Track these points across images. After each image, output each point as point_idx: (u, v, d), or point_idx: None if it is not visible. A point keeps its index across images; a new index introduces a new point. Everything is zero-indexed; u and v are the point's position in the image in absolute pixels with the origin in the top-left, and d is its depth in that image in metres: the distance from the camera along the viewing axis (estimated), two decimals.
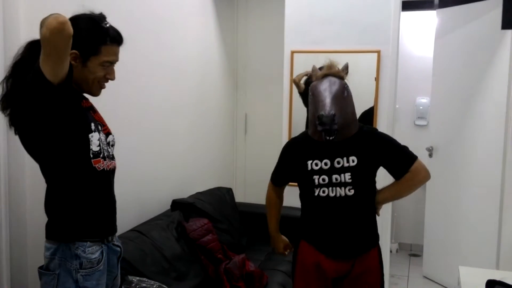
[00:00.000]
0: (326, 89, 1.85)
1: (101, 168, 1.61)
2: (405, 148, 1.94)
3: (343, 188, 1.89)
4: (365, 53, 3.50)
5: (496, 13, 3.28)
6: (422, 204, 4.10)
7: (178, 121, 3.25)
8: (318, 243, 1.97)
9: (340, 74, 1.93)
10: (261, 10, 4.32)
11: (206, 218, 2.84)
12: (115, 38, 1.60)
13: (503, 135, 3.24)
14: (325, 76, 1.92)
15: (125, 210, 2.60)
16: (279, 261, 2.98)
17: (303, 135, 2.04)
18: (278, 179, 2.15)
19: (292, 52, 3.69)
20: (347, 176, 1.88)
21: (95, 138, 1.58)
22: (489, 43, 3.40)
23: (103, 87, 1.66)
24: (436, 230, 3.87)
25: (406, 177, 1.90)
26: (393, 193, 1.99)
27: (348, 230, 1.94)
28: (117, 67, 2.45)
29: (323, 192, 1.91)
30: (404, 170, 1.89)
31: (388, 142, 1.94)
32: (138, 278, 2.04)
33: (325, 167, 1.90)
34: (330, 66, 1.95)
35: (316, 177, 1.91)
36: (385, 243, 3.31)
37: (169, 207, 2.98)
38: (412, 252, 4.57)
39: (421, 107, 4.56)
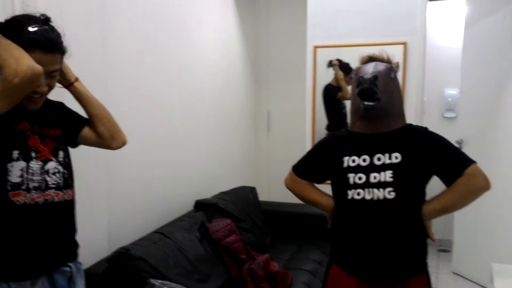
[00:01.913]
0: (371, 66, 1.65)
1: (22, 202, 1.41)
2: (460, 151, 1.67)
3: (381, 190, 1.59)
4: (391, 45, 3.40)
5: None
6: None
7: (200, 120, 3.23)
8: (350, 263, 1.69)
9: (389, 59, 1.72)
10: (283, 5, 4.27)
11: (229, 219, 2.83)
12: (37, 43, 1.35)
13: None
14: (371, 60, 1.72)
15: (148, 211, 2.63)
16: (304, 260, 2.95)
17: (344, 130, 1.79)
18: (305, 173, 1.84)
19: (315, 47, 3.62)
20: (388, 175, 1.59)
21: (15, 168, 1.40)
22: None
23: (34, 99, 1.43)
24: (466, 224, 3.76)
25: (459, 181, 1.57)
26: (443, 203, 1.62)
27: (387, 244, 1.61)
28: (137, 66, 2.50)
29: (358, 194, 1.62)
30: (457, 173, 1.58)
31: (440, 141, 1.65)
32: (160, 281, 2.02)
33: (363, 164, 1.63)
34: (378, 54, 1.75)
35: (351, 175, 1.64)
36: None
37: (192, 208, 2.97)
38: (441, 247, 4.46)
39: (449, 99, 4.44)
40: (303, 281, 2.70)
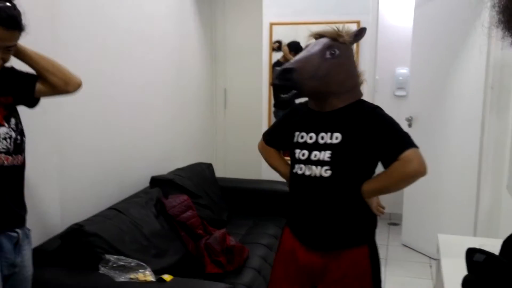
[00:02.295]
0: (305, 49, 1.64)
1: None
2: (403, 134, 1.61)
3: (319, 167, 1.64)
4: (345, 24, 3.44)
5: None
6: None
7: (156, 97, 3.19)
8: (293, 228, 1.79)
9: (333, 35, 1.64)
10: None
11: (185, 194, 2.82)
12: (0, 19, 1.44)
13: (482, 104, 3.25)
14: (317, 36, 1.68)
15: (103, 187, 2.58)
16: (260, 235, 3.00)
17: (304, 104, 1.79)
18: (270, 140, 1.94)
19: (271, 24, 3.64)
20: (327, 154, 1.63)
21: None
22: (468, 11, 3.37)
23: None
24: (415, 199, 3.92)
25: (393, 165, 1.56)
26: (377, 185, 1.65)
27: (321, 217, 1.69)
28: (89, 42, 2.42)
29: (300, 169, 1.69)
30: (393, 157, 1.56)
31: (384, 122, 1.62)
32: (116, 256, 2.01)
33: (309, 141, 1.68)
34: (324, 30, 1.68)
35: (297, 151, 1.70)
36: None
37: (148, 184, 2.95)
38: (391, 221, 4.63)
39: (400, 78, 4.55)
40: (259, 254, 2.75)
